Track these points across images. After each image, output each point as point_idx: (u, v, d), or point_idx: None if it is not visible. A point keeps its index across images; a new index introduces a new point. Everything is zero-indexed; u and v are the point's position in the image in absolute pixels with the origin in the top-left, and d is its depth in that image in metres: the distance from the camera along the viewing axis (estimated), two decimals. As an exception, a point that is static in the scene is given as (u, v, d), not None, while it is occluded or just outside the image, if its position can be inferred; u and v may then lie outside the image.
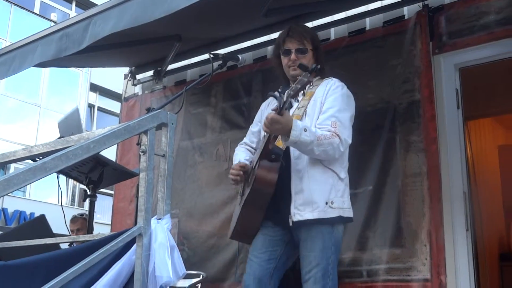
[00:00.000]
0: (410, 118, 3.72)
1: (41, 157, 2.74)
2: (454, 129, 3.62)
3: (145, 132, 1.69)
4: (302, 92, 2.59)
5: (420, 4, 3.86)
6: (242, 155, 3.06)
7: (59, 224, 3.79)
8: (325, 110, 2.74)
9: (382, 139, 3.79)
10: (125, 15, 2.89)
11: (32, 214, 15.62)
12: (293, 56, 2.90)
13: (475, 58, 3.70)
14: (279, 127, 2.49)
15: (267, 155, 2.65)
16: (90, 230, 3.21)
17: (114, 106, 20.49)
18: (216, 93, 4.89)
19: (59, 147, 1.96)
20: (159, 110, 1.80)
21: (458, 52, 3.72)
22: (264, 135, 2.71)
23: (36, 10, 18.78)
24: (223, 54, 2.94)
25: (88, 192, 3.12)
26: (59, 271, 1.83)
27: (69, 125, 3.16)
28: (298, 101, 2.85)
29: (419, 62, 3.77)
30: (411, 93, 3.76)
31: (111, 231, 5.21)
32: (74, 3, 20.05)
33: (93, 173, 3.10)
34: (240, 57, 2.89)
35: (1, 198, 16.04)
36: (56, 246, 3.00)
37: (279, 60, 3.00)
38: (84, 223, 4.80)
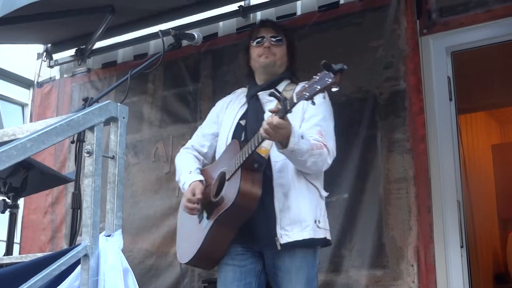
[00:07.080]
0: (394, 111, 3.78)
1: None
2: (446, 125, 3.69)
3: (91, 129, 1.61)
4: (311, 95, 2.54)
5: (406, -26, 3.89)
6: (190, 164, 3.00)
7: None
8: (309, 117, 2.79)
9: (360, 136, 3.84)
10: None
11: None
12: (266, 43, 2.94)
13: (470, 41, 3.77)
14: (283, 133, 2.49)
15: (250, 164, 2.65)
16: (10, 251, 3.06)
17: (20, 93, 20.02)
18: (154, 79, 4.79)
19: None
20: (108, 101, 1.71)
21: (450, 32, 3.78)
22: (251, 141, 2.63)
23: None
24: (176, 31, 2.86)
25: (8, 202, 2.98)
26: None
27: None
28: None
29: (404, 44, 3.83)
30: (394, 81, 3.81)
31: (20, 250, 5.04)
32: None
33: (14, 178, 2.95)
34: (196, 35, 2.83)
35: None
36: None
37: (248, 55, 3.04)
38: None
